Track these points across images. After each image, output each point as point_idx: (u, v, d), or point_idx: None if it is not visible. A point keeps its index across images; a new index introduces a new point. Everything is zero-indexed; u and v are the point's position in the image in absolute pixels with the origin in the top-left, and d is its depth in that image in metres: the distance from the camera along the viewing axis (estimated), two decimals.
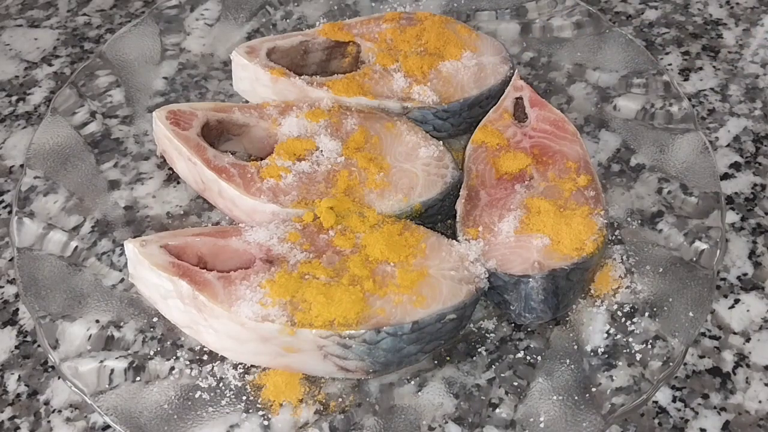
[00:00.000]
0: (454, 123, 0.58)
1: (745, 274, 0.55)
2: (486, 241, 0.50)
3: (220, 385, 0.47)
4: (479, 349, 0.49)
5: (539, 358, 0.48)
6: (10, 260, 0.56)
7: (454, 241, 0.50)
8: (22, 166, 0.59)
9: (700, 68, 0.68)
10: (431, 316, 0.45)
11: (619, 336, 0.49)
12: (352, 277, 0.45)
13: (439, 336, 0.46)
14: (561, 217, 0.49)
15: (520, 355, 0.49)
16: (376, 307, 0.45)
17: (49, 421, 0.48)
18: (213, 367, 0.48)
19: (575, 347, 0.49)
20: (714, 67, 0.68)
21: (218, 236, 0.48)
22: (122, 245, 0.50)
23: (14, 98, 0.67)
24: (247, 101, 0.62)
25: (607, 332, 0.49)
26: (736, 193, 0.59)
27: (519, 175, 0.53)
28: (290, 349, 0.44)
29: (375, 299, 0.45)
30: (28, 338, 0.52)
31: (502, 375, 0.48)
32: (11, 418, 0.48)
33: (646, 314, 0.49)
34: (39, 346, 0.52)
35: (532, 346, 0.49)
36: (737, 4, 0.73)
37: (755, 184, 0.60)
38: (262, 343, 0.44)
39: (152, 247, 0.47)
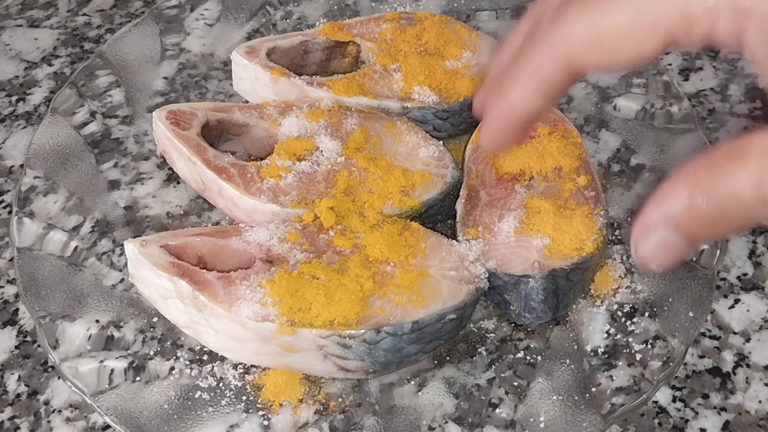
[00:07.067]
0: (454, 123, 0.58)
1: (745, 274, 0.55)
2: (486, 241, 0.50)
3: (220, 385, 0.47)
4: (479, 349, 0.49)
5: (539, 358, 0.48)
6: (10, 260, 0.56)
7: (454, 241, 0.50)
8: (22, 166, 0.59)
9: (700, 68, 0.68)
10: (431, 316, 0.45)
11: (619, 336, 0.49)
12: (352, 277, 0.45)
13: (439, 336, 0.46)
14: (561, 217, 0.49)
15: (520, 355, 0.49)
16: (376, 307, 0.44)
17: (49, 421, 0.48)
18: (213, 367, 0.48)
19: (575, 347, 0.49)
20: (714, 67, 0.68)
21: (218, 236, 0.48)
22: (122, 245, 0.50)
23: (14, 98, 0.67)
24: (247, 101, 0.62)
25: (607, 332, 0.49)
26: None
27: (519, 174, 0.53)
28: (290, 349, 0.44)
29: (375, 299, 0.45)
30: (28, 338, 0.52)
31: (502, 375, 0.48)
32: (11, 418, 0.48)
33: (646, 314, 0.49)
34: (39, 346, 0.52)
35: (532, 346, 0.49)
36: None
37: None
38: (262, 343, 0.44)
39: (152, 247, 0.47)
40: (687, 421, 0.48)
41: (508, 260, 0.48)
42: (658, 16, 0.31)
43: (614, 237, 0.53)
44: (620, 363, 0.47)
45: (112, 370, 0.47)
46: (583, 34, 0.33)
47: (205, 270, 0.46)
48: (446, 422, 0.46)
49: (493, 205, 0.52)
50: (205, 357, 0.48)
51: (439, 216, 0.54)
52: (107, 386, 0.46)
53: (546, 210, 0.50)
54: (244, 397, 0.47)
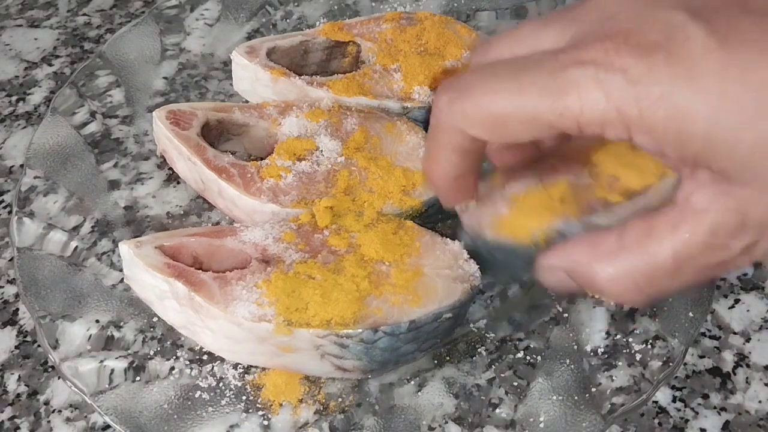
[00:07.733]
0: None
1: (745, 274, 0.54)
2: (492, 186, 0.43)
3: (220, 385, 0.47)
4: (479, 349, 0.49)
5: (539, 358, 0.48)
6: (10, 260, 0.56)
7: (447, 239, 0.50)
8: (22, 166, 0.59)
9: None
10: (428, 316, 0.45)
11: (619, 336, 0.49)
12: (348, 276, 0.45)
13: (435, 335, 0.46)
14: (540, 205, 0.41)
15: (520, 355, 0.49)
16: (372, 306, 0.44)
17: (49, 421, 0.48)
18: (213, 367, 0.48)
19: (575, 347, 0.49)
20: None
21: (214, 236, 0.48)
22: None
23: (14, 98, 0.68)
24: (247, 101, 0.62)
25: (607, 332, 0.49)
26: None
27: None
28: (287, 348, 0.44)
29: (371, 299, 0.45)
30: (28, 338, 0.52)
31: (502, 375, 0.48)
32: (11, 418, 0.48)
33: (646, 314, 0.49)
34: (39, 346, 0.52)
35: (532, 346, 0.49)
36: None
37: None
38: (258, 343, 0.44)
39: (147, 248, 0.47)
40: (687, 421, 0.48)
41: (482, 204, 0.43)
42: (553, 119, 0.31)
43: None
44: (620, 363, 0.47)
45: (112, 370, 0.47)
46: (481, 118, 0.34)
47: (200, 270, 0.46)
48: (446, 422, 0.46)
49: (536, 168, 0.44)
50: (205, 357, 0.49)
51: (439, 215, 0.54)
52: (107, 386, 0.46)
53: (549, 195, 0.42)
54: (244, 397, 0.47)
